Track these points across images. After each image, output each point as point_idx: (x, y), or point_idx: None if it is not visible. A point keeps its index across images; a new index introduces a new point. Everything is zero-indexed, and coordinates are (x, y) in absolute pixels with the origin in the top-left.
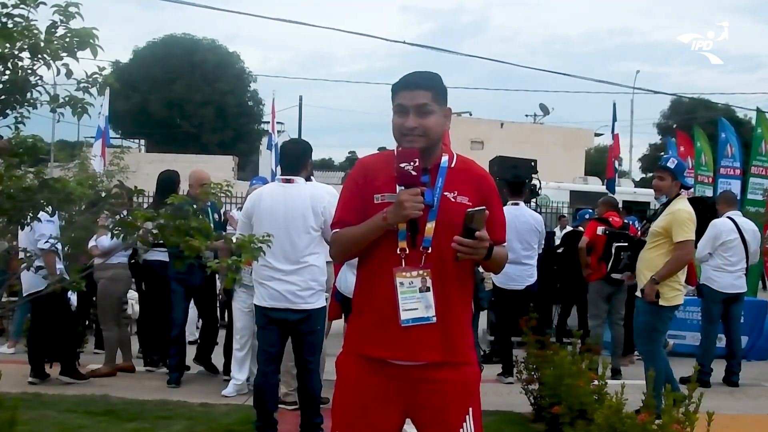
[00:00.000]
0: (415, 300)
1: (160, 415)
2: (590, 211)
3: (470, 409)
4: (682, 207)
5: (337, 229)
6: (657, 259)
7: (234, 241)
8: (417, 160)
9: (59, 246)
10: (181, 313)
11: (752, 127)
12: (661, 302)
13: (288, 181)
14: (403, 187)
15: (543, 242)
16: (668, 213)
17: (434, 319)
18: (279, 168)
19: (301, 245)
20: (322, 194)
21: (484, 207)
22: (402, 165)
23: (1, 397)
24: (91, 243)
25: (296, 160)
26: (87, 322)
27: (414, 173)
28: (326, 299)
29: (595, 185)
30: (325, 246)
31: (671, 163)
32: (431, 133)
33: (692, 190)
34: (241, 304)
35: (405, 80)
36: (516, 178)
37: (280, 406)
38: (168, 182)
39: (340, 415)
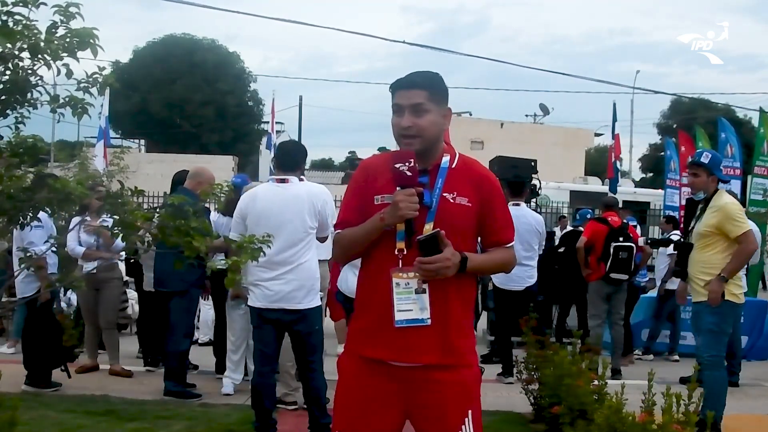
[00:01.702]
0: (410, 301)
1: (160, 415)
2: (590, 211)
3: (469, 411)
4: (727, 201)
5: (340, 230)
6: (714, 258)
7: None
8: (412, 160)
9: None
10: (194, 322)
11: (752, 127)
12: (729, 297)
13: (282, 180)
14: (399, 188)
15: (543, 243)
16: (715, 210)
17: (429, 321)
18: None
19: (297, 245)
20: (318, 193)
21: (437, 230)
22: (397, 166)
23: (1, 397)
24: (74, 245)
25: (293, 159)
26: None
27: (409, 174)
28: (321, 298)
29: (595, 185)
30: (318, 245)
31: (705, 158)
32: (426, 132)
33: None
34: (237, 307)
35: (401, 80)
36: (516, 178)
37: (279, 406)
38: (181, 184)
39: (341, 415)
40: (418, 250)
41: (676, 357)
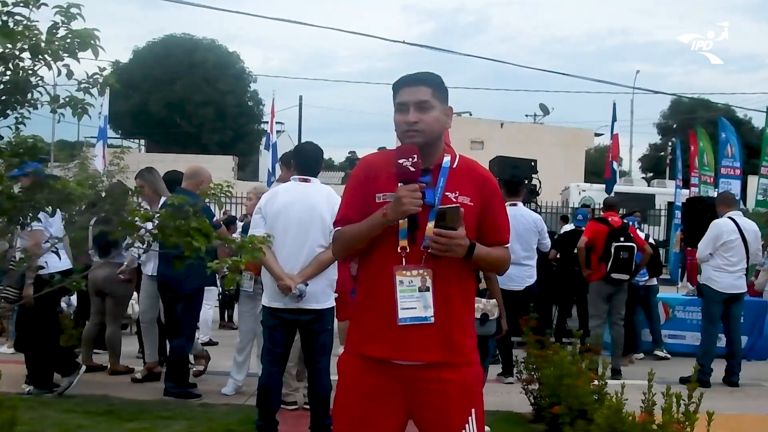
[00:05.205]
0: (414, 299)
1: (160, 415)
2: (586, 211)
3: (473, 410)
4: None
5: (340, 227)
6: None
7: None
8: (416, 156)
9: (60, 246)
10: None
11: (752, 127)
12: None
13: (305, 180)
14: (402, 183)
15: (545, 241)
16: None
17: (432, 319)
18: (278, 167)
19: (316, 244)
20: (336, 195)
21: (458, 205)
22: (400, 161)
23: (1, 397)
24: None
25: (314, 161)
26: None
27: (412, 169)
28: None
29: (641, 186)
30: None
31: None
32: (430, 129)
33: (698, 189)
34: (245, 307)
35: (406, 77)
36: (513, 177)
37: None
38: (173, 183)
39: (342, 415)
40: (436, 221)
41: (658, 353)
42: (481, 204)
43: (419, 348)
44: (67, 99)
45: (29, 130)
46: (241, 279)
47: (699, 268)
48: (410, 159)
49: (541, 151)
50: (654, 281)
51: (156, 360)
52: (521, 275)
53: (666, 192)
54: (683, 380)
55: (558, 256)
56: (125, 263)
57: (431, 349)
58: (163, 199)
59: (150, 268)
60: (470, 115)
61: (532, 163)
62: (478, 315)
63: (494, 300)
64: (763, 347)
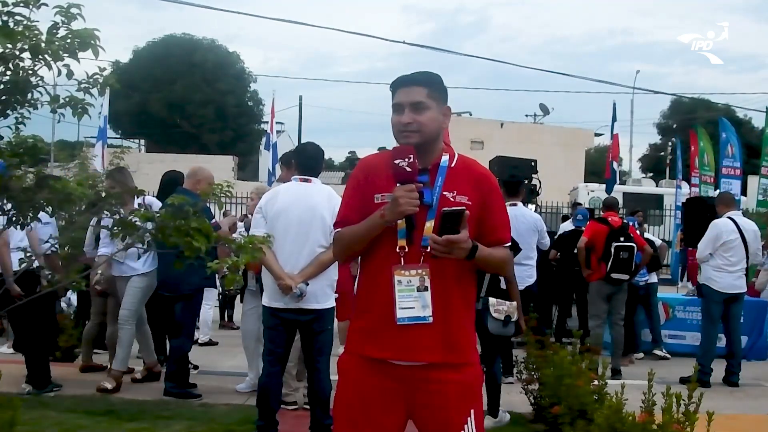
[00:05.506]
0: (412, 299)
1: (160, 415)
2: (586, 210)
3: (472, 410)
4: None
5: (339, 228)
6: None
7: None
8: (412, 156)
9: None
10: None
11: (752, 127)
12: None
13: (305, 180)
14: (399, 184)
15: (545, 241)
16: None
17: (430, 319)
18: (278, 167)
19: (316, 244)
20: (336, 195)
21: (463, 208)
22: (397, 162)
23: (1, 397)
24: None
25: (315, 161)
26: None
27: (408, 170)
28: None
29: (649, 187)
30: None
31: None
32: (426, 129)
33: (698, 189)
34: (249, 305)
35: (402, 78)
36: (512, 177)
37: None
38: (173, 183)
39: (342, 415)
40: (439, 222)
41: (657, 352)
42: (480, 202)
43: (419, 348)
44: (67, 99)
45: (29, 130)
46: (240, 279)
47: (699, 267)
48: (406, 159)
49: (541, 151)
50: (654, 278)
51: (155, 359)
52: (521, 275)
53: (674, 192)
54: (683, 380)
55: (558, 256)
56: (99, 273)
57: (431, 350)
58: (137, 200)
59: (122, 270)
60: (470, 115)
61: (532, 163)
62: (501, 317)
63: (515, 302)
64: (763, 347)
